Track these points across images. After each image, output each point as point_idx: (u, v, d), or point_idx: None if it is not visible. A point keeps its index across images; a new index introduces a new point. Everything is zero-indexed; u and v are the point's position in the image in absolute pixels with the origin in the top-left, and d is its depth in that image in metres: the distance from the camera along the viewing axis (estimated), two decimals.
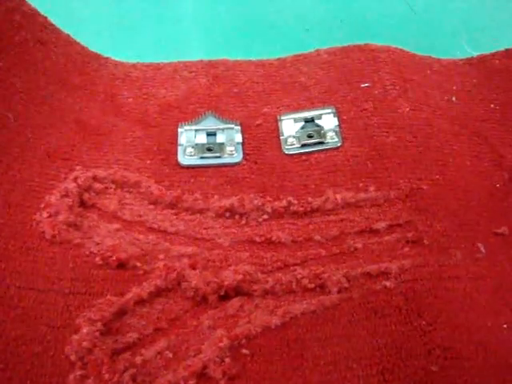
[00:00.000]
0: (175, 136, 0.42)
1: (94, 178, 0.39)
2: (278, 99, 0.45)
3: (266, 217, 0.38)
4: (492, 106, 0.44)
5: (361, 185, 0.39)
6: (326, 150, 0.41)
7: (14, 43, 0.42)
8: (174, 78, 0.46)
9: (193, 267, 0.35)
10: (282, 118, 0.43)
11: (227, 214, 0.38)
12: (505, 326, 0.33)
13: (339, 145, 0.41)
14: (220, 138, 0.42)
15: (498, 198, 0.39)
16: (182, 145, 0.41)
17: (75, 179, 0.38)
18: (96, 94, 0.45)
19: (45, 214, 0.36)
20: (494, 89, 0.45)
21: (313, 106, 0.44)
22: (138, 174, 0.39)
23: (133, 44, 0.55)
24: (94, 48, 0.48)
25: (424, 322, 0.32)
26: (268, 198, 0.38)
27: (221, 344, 0.32)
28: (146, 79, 0.46)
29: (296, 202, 0.38)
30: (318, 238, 0.37)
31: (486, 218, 0.38)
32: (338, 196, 0.38)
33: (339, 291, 0.34)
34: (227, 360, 0.31)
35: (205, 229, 0.37)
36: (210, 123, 0.43)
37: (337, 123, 0.42)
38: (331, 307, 0.34)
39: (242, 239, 0.37)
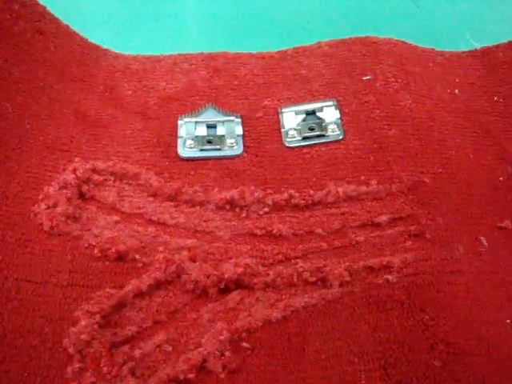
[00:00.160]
0: (175, 128, 0.42)
1: (93, 170, 0.38)
2: (278, 92, 0.44)
3: (266, 209, 0.37)
4: (495, 98, 0.43)
5: (362, 178, 0.38)
6: (328, 142, 0.41)
7: (13, 33, 0.42)
8: (173, 71, 0.46)
9: (193, 260, 0.35)
10: (283, 110, 0.43)
11: (227, 207, 0.38)
12: (507, 320, 0.32)
13: (341, 138, 0.41)
14: (220, 130, 0.42)
15: (501, 192, 0.38)
16: (182, 137, 0.41)
17: (74, 171, 0.38)
18: (95, 85, 0.45)
19: (43, 206, 0.36)
20: (498, 81, 0.44)
21: (314, 99, 0.43)
22: (137, 166, 0.39)
23: (133, 36, 0.55)
24: (93, 40, 0.48)
25: (427, 317, 0.32)
26: (269, 191, 0.38)
27: (221, 337, 0.31)
28: (146, 71, 0.46)
29: (297, 194, 0.38)
30: (319, 231, 0.37)
31: (488, 211, 0.37)
32: (340, 189, 0.38)
33: (341, 285, 0.34)
34: (227, 353, 0.31)
35: (205, 221, 0.37)
36: (211, 115, 0.43)
37: (338, 116, 0.42)
38: (333, 301, 0.33)
39: (242, 232, 0.37)
